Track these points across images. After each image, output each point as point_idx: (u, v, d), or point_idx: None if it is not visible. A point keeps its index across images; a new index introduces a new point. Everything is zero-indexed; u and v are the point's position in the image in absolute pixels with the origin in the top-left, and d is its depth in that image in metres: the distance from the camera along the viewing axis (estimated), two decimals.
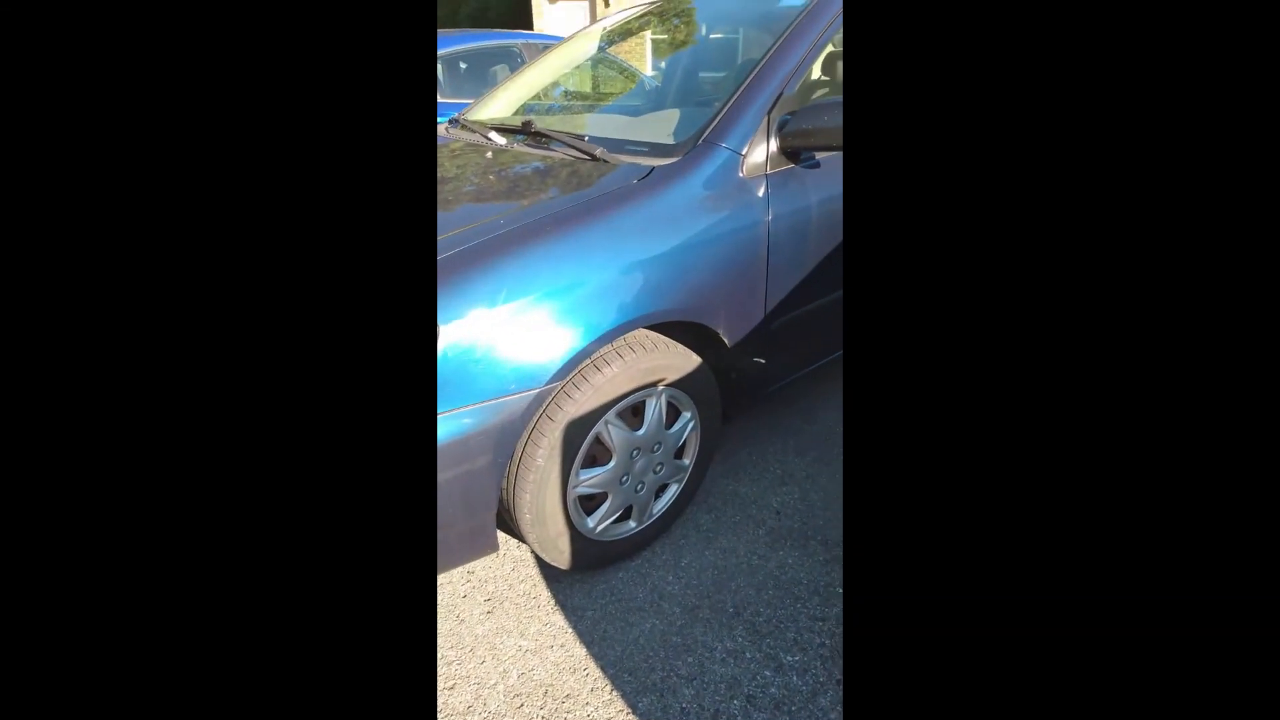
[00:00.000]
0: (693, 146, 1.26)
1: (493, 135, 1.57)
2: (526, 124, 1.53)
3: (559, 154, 1.38)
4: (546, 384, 1.04)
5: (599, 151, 1.31)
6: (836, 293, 1.50)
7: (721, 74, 1.83)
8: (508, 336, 1.00)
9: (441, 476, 0.98)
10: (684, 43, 2.03)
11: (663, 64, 2.09)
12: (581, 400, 1.11)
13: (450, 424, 0.97)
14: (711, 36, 2.05)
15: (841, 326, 1.62)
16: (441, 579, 1.34)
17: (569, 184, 1.24)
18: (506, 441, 1.03)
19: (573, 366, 1.06)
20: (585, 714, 1.06)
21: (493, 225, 1.07)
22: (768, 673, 1.12)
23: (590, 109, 2.03)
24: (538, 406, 1.05)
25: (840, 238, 1.44)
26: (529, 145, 1.49)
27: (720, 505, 1.52)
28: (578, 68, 2.13)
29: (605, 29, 2.11)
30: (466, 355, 0.97)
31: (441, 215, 1.13)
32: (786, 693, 1.08)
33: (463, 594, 1.31)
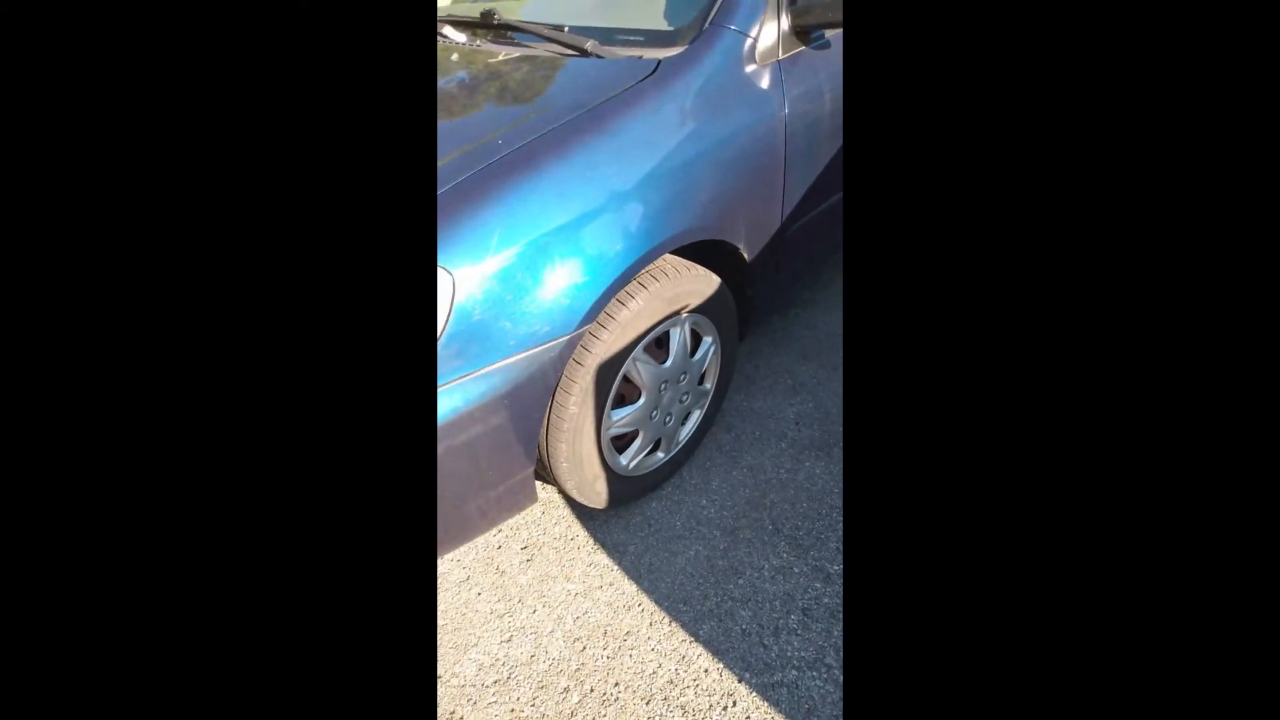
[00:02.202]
0: (697, 32, 1.09)
1: (448, 32, 1.33)
2: (488, 15, 1.29)
3: (540, 50, 1.18)
4: (575, 330, 0.94)
5: (589, 45, 1.12)
6: (840, 191, 1.41)
7: None
8: (528, 282, 0.88)
9: (475, 437, 0.89)
10: None
11: None
12: (610, 340, 1.01)
13: (480, 384, 0.87)
14: None
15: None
16: None
17: (564, 90, 1.06)
18: (540, 395, 0.94)
19: (600, 307, 0.96)
20: (649, 648, 1.07)
21: (490, 148, 0.90)
22: (818, 584, 1.14)
23: None
24: (568, 353, 0.96)
25: None
26: (496, 42, 1.26)
27: (739, 423, 1.50)
28: None
29: None
30: (487, 307, 0.85)
31: None
32: (835, 600, 1.11)
33: (497, 545, 1.27)
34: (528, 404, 0.93)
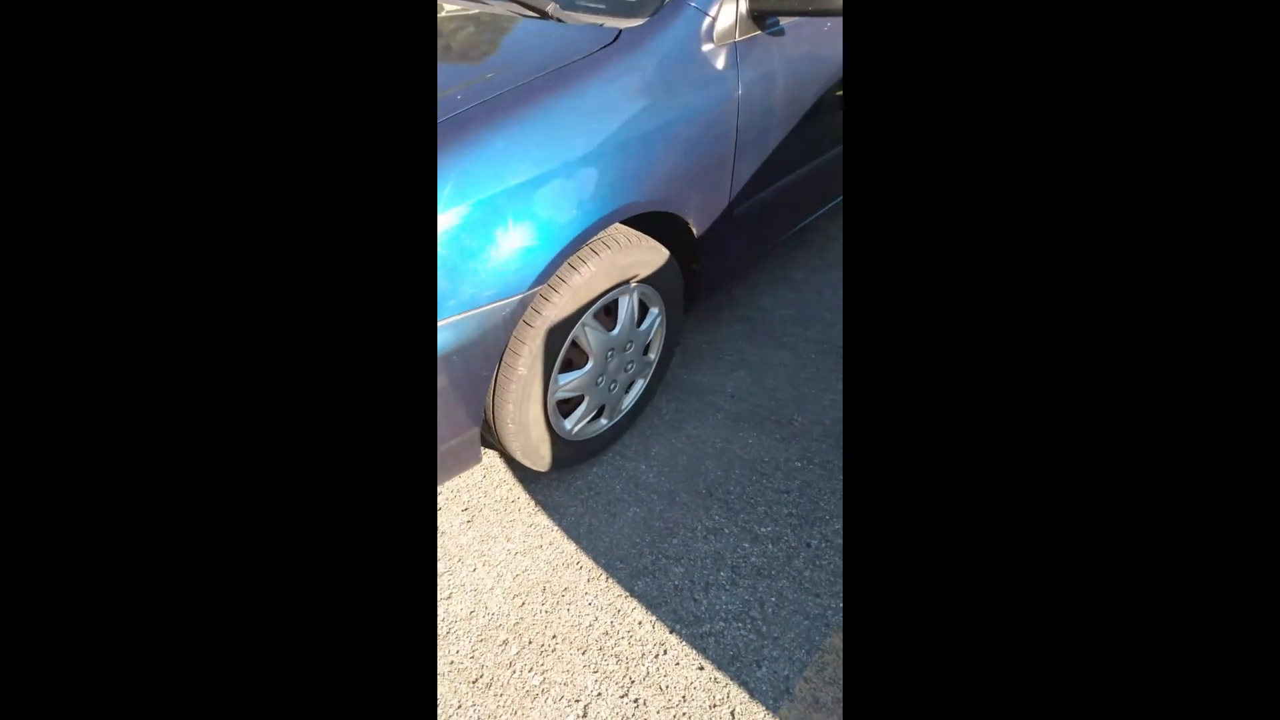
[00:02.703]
0: (659, 5, 1.10)
1: None
2: None
3: (499, 9, 1.16)
4: (528, 289, 0.95)
5: (551, 8, 1.11)
6: (795, 173, 1.47)
7: None
8: (485, 238, 0.88)
9: None
10: None
11: None
12: (560, 304, 1.03)
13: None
14: None
15: (793, 208, 1.61)
16: None
17: (525, 50, 1.05)
18: (489, 354, 0.95)
19: (553, 269, 0.98)
20: (586, 603, 1.11)
21: (449, 102, 0.89)
22: (746, 544, 1.22)
23: None
24: (519, 314, 0.97)
25: (801, 114, 1.38)
26: (449, 1, 1.23)
27: (681, 395, 1.56)
28: None
29: None
30: (443, 261, 0.85)
31: None
32: (765, 560, 1.19)
33: (438, 507, 1.27)
34: (477, 362, 0.94)
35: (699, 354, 1.68)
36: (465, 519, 1.25)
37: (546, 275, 0.97)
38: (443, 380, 0.91)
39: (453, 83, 0.94)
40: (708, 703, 0.98)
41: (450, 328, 0.88)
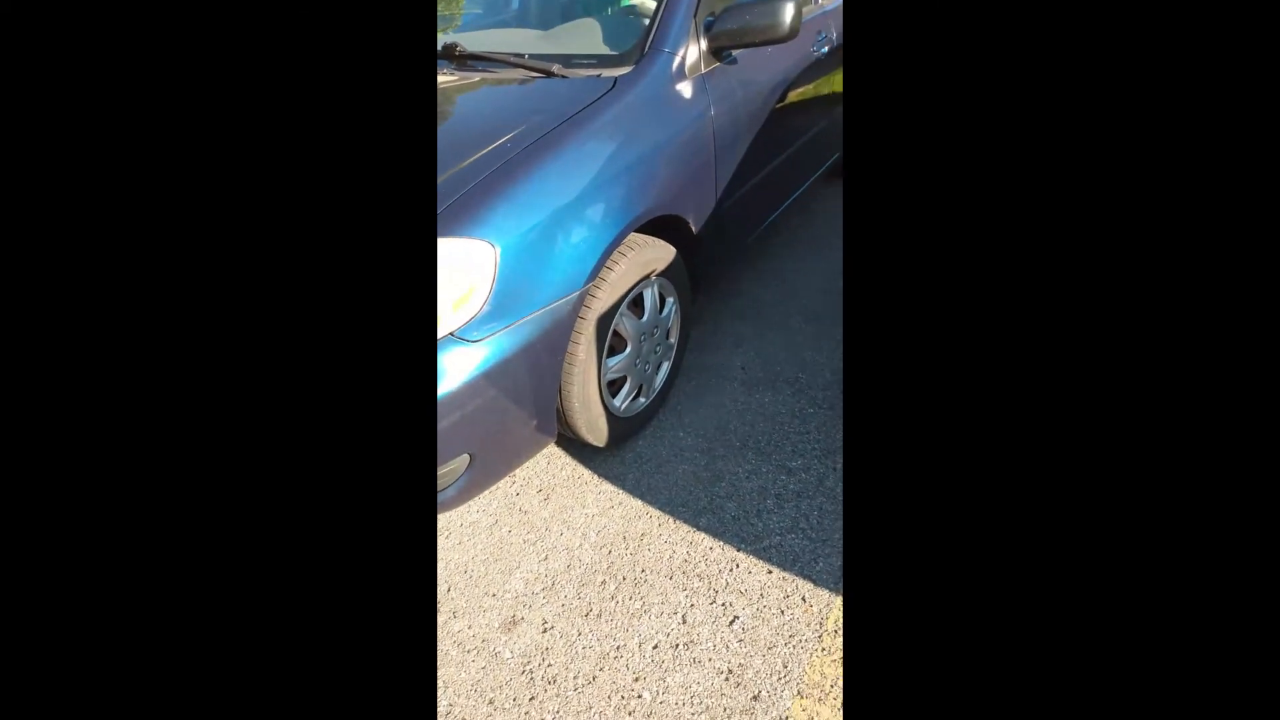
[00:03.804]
0: (640, 55, 1.39)
1: None
2: (451, 47, 1.52)
3: (517, 74, 1.43)
4: (583, 286, 1.19)
5: (555, 68, 1.38)
6: (762, 173, 1.76)
7: None
8: (547, 250, 1.12)
9: (519, 375, 1.12)
10: None
11: None
12: (604, 297, 1.27)
13: (518, 333, 1.10)
14: None
15: (767, 199, 1.90)
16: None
17: (547, 103, 1.32)
18: (559, 342, 1.18)
19: (599, 268, 1.22)
20: (662, 541, 1.33)
21: (502, 149, 1.14)
22: (783, 477, 1.45)
23: (482, 25, 1.99)
24: (578, 307, 1.20)
25: (760, 124, 1.67)
26: (463, 70, 1.50)
27: (698, 374, 1.80)
28: None
29: None
30: (520, 271, 1.08)
31: (441, 144, 1.18)
32: (802, 485, 1.42)
33: (515, 492, 1.48)
34: (553, 348, 1.17)
35: (706, 341, 1.93)
36: (542, 497, 1.46)
37: (595, 274, 1.21)
38: (530, 364, 1.13)
39: (499, 133, 1.19)
40: (781, 594, 1.20)
41: (531, 323, 1.11)
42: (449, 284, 1.01)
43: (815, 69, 1.94)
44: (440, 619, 1.21)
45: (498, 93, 1.40)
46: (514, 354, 1.10)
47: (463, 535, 1.38)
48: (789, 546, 1.29)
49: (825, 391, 1.68)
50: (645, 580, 1.25)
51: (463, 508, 1.44)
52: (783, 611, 1.17)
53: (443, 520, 1.42)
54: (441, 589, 1.27)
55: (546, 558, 1.32)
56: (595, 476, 1.50)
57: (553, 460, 1.56)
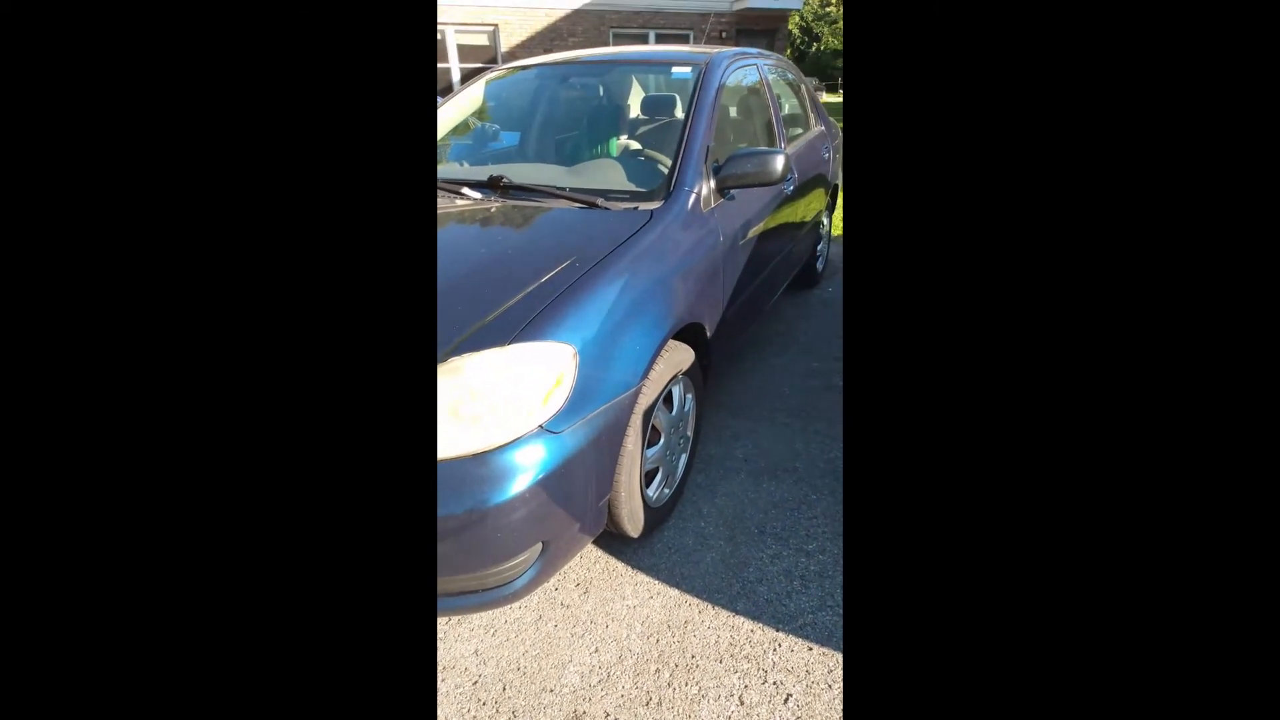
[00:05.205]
0: (667, 191, 1.65)
1: (466, 191, 1.73)
2: (496, 179, 1.73)
3: (565, 204, 1.64)
4: (638, 384, 1.33)
5: (600, 201, 1.61)
6: (751, 287, 2.04)
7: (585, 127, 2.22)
8: (611, 352, 1.27)
9: (587, 466, 1.21)
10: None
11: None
12: (649, 393, 1.42)
13: (589, 426, 1.21)
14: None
15: (753, 308, 2.16)
16: None
17: (598, 230, 1.52)
18: (619, 432, 1.30)
19: (650, 368, 1.37)
20: (706, 626, 1.39)
21: (571, 269, 1.32)
22: (803, 559, 1.57)
23: (502, 160, 2.24)
24: (632, 402, 1.34)
25: (751, 247, 1.96)
26: (510, 199, 1.70)
27: (705, 467, 1.93)
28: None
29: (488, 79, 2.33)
30: (591, 370, 1.22)
31: (513, 265, 1.33)
32: (820, 566, 1.55)
33: (554, 587, 1.50)
34: (613, 440, 1.28)
35: (706, 434, 2.09)
36: (580, 591, 1.49)
37: (646, 372, 1.36)
38: (595, 456, 1.24)
39: (566, 255, 1.37)
40: (825, 669, 1.28)
41: (600, 415, 1.23)
42: (540, 380, 1.12)
43: (787, 202, 2.31)
44: None
45: (557, 219, 1.60)
46: (587, 445, 1.20)
47: (509, 633, 1.38)
48: (822, 623, 1.39)
49: (823, 478, 1.86)
50: (697, 665, 1.30)
51: (506, 606, 1.44)
52: (830, 686, 1.25)
53: (487, 618, 1.42)
54: (497, 688, 1.26)
55: (597, 650, 1.34)
56: (629, 568, 1.56)
57: (585, 555, 1.60)
